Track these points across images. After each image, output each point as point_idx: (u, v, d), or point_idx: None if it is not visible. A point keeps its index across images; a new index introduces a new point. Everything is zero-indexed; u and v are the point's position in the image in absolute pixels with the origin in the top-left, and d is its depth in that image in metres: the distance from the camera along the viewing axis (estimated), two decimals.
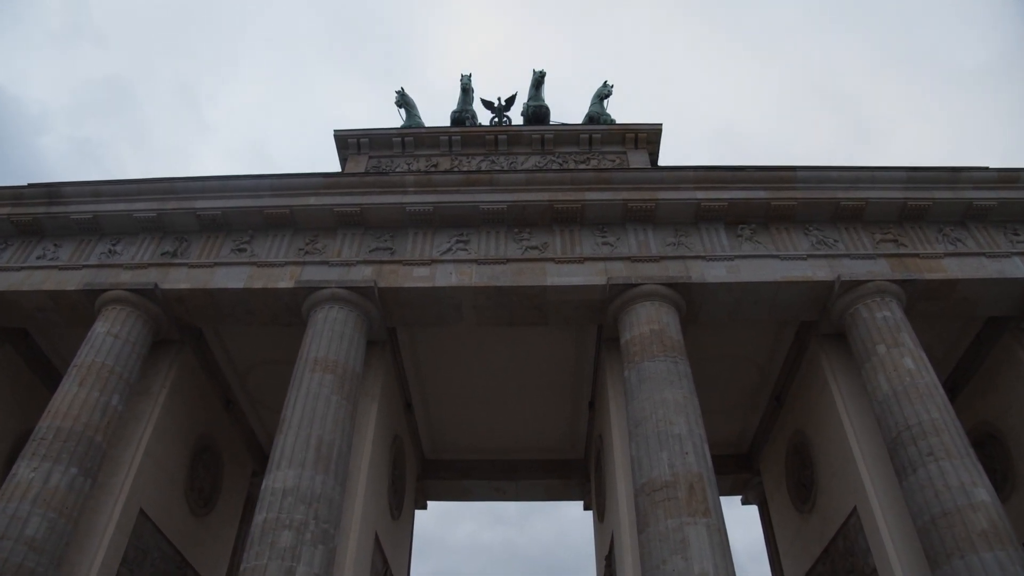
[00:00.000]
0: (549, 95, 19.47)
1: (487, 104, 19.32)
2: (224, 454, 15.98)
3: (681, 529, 9.37)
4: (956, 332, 14.67)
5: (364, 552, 11.69)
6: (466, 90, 18.83)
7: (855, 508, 12.00)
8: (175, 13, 63.71)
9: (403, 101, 18.91)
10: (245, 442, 17.05)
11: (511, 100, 19.46)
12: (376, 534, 12.72)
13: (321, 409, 11.03)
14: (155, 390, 13.38)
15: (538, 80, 18.84)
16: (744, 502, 19.21)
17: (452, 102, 18.92)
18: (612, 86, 18.92)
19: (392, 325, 13.93)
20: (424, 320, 13.69)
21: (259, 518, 9.80)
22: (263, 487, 10.24)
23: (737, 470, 18.70)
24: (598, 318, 13.58)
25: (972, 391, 14.72)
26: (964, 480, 9.90)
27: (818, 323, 13.69)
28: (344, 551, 10.79)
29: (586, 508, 19.18)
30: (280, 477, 10.14)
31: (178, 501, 13.84)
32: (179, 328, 14.01)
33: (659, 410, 10.82)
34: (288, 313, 13.60)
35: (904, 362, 11.53)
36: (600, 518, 15.29)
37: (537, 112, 18.20)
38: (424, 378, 16.49)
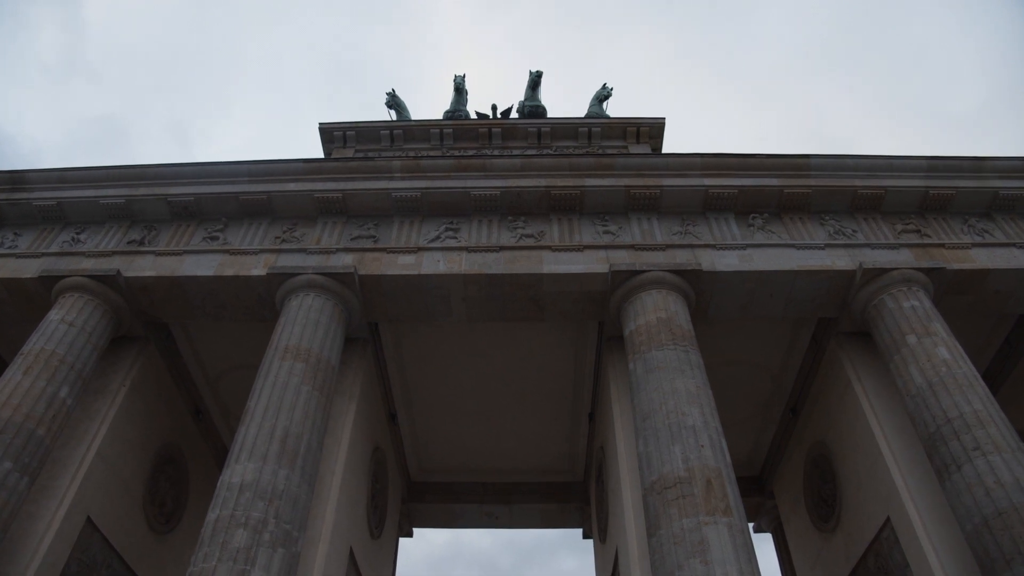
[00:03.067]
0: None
1: (482, 116, 18.64)
2: (191, 468, 14.60)
3: (699, 529, 8.11)
4: (984, 336, 13.59)
5: (336, 567, 10.31)
6: (459, 90, 18.18)
7: (888, 519, 10.71)
8: (169, 52, 64.07)
9: (393, 102, 18.26)
10: (216, 457, 15.66)
11: (507, 112, 18.79)
12: (351, 549, 11.35)
13: (289, 399, 9.84)
14: (113, 388, 12.15)
15: (535, 81, 18.21)
16: (756, 530, 17.71)
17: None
18: (612, 88, 18.29)
19: (374, 320, 12.82)
20: (409, 314, 12.58)
21: (211, 516, 8.51)
22: (219, 482, 8.99)
23: (748, 494, 17.22)
24: (599, 312, 12.50)
25: (1003, 399, 13.49)
26: (1019, 475, 8.68)
27: (838, 320, 12.63)
28: (311, 560, 9.44)
29: (585, 536, 17.70)
30: (238, 471, 8.89)
31: (134, 514, 12.45)
32: (144, 323, 12.89)
33: (669, 401, 9.65)
34: (262, 306, 12.51)
35: (938, 352, 10.44)
36: (602, 539, 13.88)
37: (534, 112, 17.48)
38: (410, 386, 15.27)
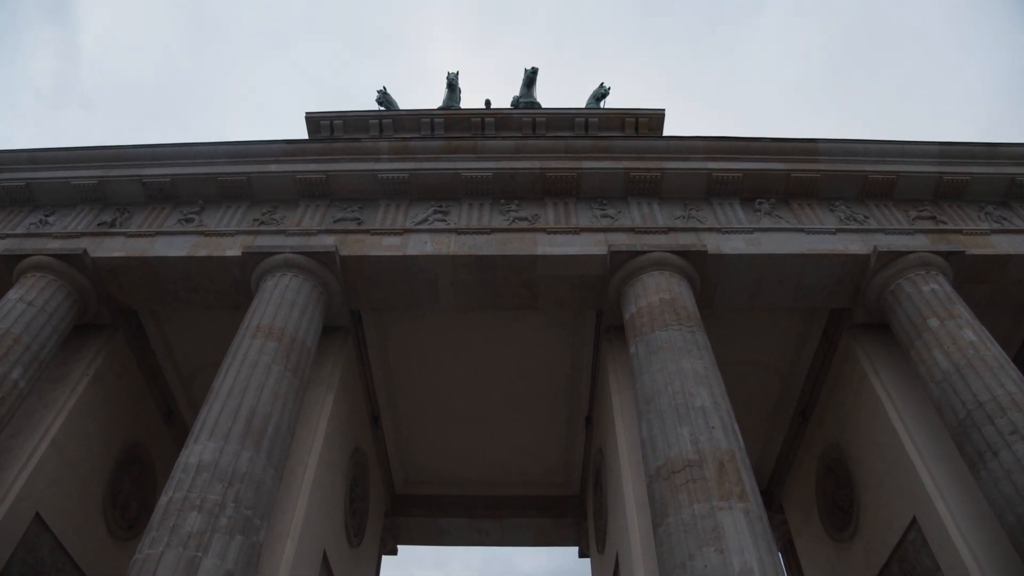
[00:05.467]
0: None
1: None
2: (159, 472, 13.53)
3: (712, 515, 7.22)
4: (1006, 329, 12.81)
5: (306, 568, 9.31)
6: (452, 87, 17.68)
7: (914, 520, 9.79)
8: (163, 81, 63.78)
9: (384, 100, 17.73)
10: None
11: None
12: (325, 553, 10.33)
13: (258, 378, 8.97)
14: (74, 377, 11.25)
15: (530, 78, 17.75)
16: None
17: None
18: (609, 88, 17.81)
19: (357, 307, 12.01)
20: (394, 300, 11.79)
21: (163, 500, 7.59)
22: (175, 465, 8.07)
23: None
24: (597, 300, 11.73)
25: None
26: None
27: (851, 311, 11.90)
28: (277, 555, 8.47)
29: (581, 555, 16.55)
30: (196, 451, 7.99)
31: (92, 515, 11.43)
32: (112, 310, 12.06)
33: (675, 381, 8.82)
34: (237, 290, 11.70)
35: (964, 334, 9.67)
36: (600, 549, 12.86)
37: (529, 108, 16.96)
38: (395, 387, 14.34)
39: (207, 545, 7.03)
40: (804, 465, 14.11)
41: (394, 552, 16.78)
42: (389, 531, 16.11)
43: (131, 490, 12.62)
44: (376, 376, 13.81)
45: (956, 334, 9.69)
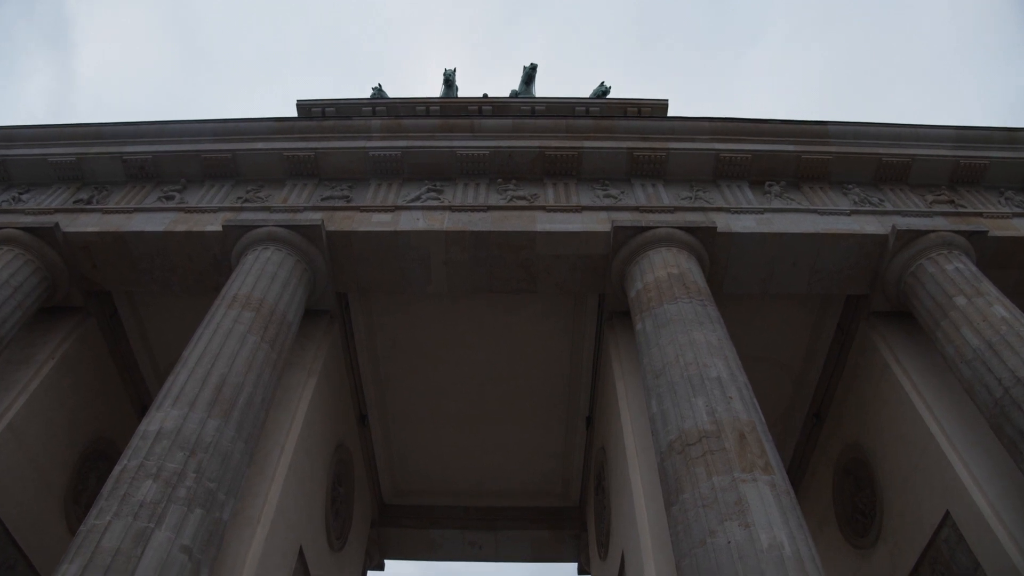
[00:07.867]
0: None
1: None
2: None
3: (735, 487, 6.43)
4: None
5: (279, 559, 8.41)
6: (449, 83, 17.29)
7: (947, 515, 8.96)
8: (158, 107, 63.82)
9: (380, 96, 17.30)
10: None
11: None
12: (301, 549, 9.41)
13: (232, 346, 8.22)
14: (40, 359, 10.47)
15: (529, 75, 17.38)
16: None
17: None
18: (610, 87, 17.44)
19: (343, 288, 11.29)
20: (383, 281, 11.08)
21: (116, 469, 6.81)
22: (134, 433, 7.27)
23: None
24: (599, 284, 11.05)
25: None
26: None
27: (868, 298, 11.23)
28: (245, 541, 7.58)
29: (581, 571, 15.54)
30: (158, 418, 7.20)
31: (52, 511, 10.52)
32: (84, 293, 11.35)
33: (687, 352, 8.09)
34: (217, 271, 10.99)
35: (994, 310, 9.00)
36: (602, 555, 11.92)
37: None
38: (384, 386, 13.51)
39: (161, 516, 6.21)
40: (819, 471, 13.25)
41: (381, 567, 15.73)
42: (375, 543, 15.07)
43: (97, 487, 11.62)
44: (363, 370, 13.01)
45: (986, 311, 9.02)
